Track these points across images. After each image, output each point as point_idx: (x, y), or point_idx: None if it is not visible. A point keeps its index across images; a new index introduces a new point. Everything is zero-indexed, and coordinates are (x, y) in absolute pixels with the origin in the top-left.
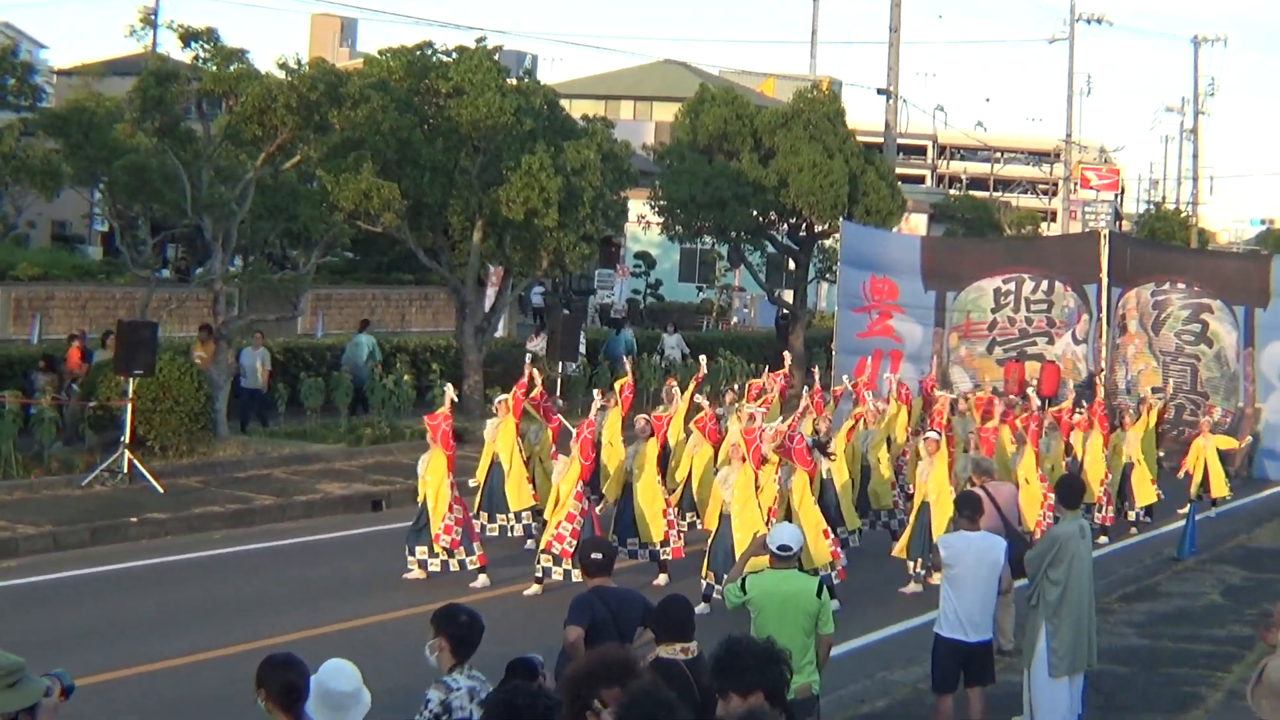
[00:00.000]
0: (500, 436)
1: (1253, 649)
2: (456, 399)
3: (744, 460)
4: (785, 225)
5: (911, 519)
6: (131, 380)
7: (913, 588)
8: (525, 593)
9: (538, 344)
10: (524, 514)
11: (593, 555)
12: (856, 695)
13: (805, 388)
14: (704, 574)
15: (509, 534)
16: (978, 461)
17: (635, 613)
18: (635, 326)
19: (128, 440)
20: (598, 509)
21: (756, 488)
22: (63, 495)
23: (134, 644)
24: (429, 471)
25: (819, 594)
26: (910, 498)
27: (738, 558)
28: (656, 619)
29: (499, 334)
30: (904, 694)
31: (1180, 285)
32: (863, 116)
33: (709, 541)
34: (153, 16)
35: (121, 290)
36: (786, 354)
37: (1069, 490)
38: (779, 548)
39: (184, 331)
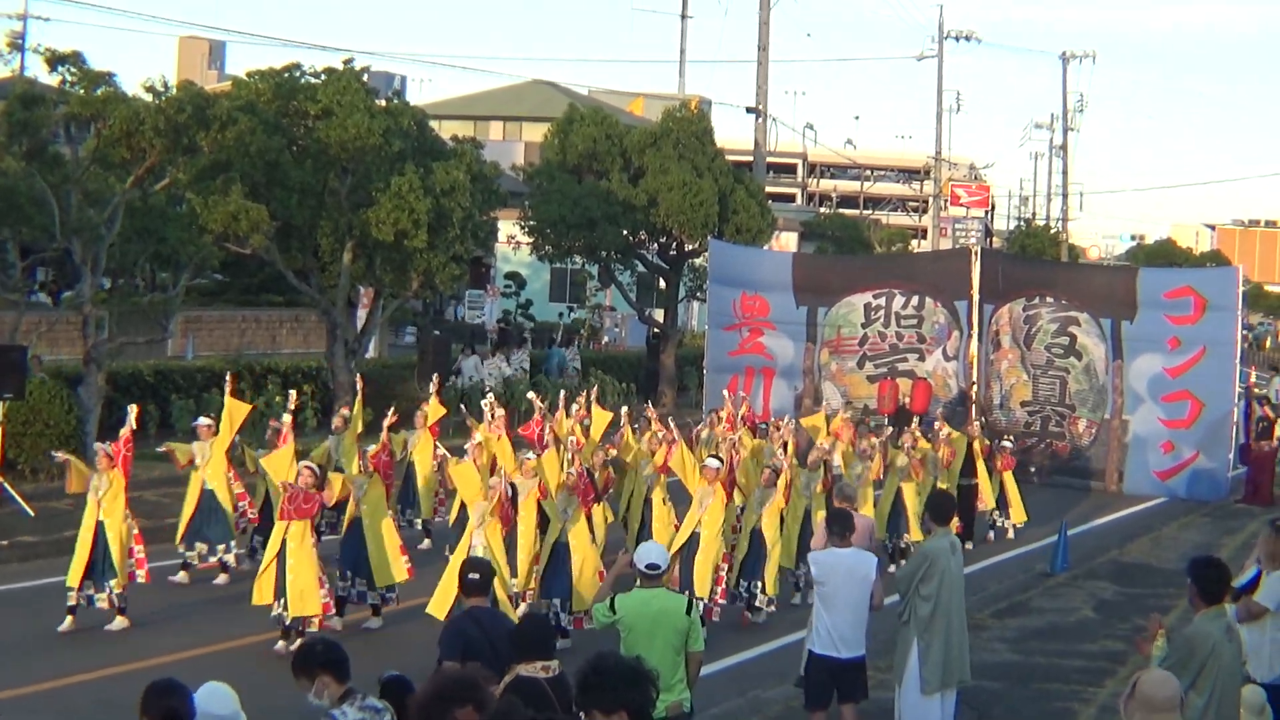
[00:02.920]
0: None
1: (1126, 664)
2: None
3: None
4: (655, 244)
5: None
6: (1, 404)
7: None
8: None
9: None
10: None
11: (470, 575)
12: (729, 713)
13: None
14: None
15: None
16: (841, 487)
17: (506, 633)
18: (507, 346)
19: None
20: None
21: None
22: None
23: (6, 667)
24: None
25: (688, 611)
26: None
27: (608, 576)
28: (517, 637)
29: (370, 355)
30: (776, 711)
31: (1050, 299)
32: (732, 135)
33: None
34: (19, 40)
35: None
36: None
37: (939, 506)
38: (647, 566)
39: (54, 354)
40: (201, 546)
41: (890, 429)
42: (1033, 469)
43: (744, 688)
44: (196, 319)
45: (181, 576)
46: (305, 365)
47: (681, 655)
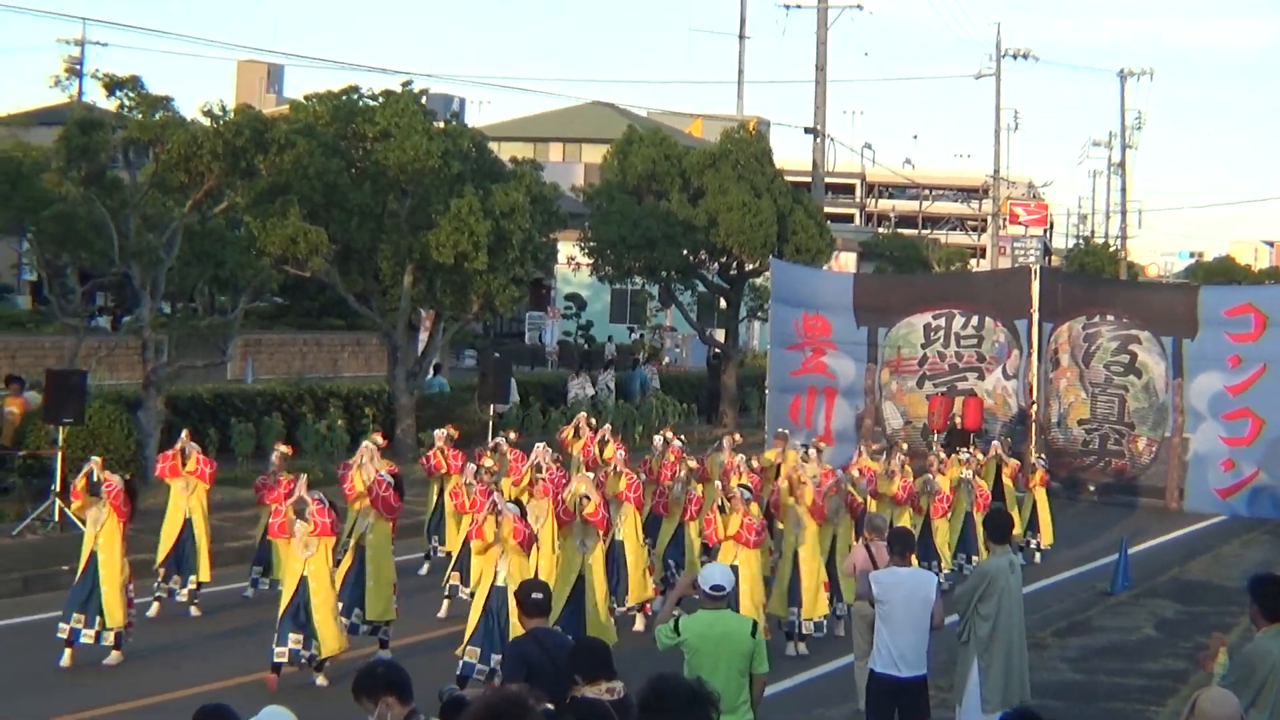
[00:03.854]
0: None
1: (1188, 682)
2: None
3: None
4: (715, 264)
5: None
6: (61, 429)
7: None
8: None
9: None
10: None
11: (533, 595)
12: None
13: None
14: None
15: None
16: (871, 518)
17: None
18: (565, 367)
19: (58, 489)
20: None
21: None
22: None
23: (67, 693)
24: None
25: (753, 634)
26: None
27: (670, 597)
28: (577, 658)
29: (430, 377)
30: None
31: (1110, 318)
32: (790, 155)
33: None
34: (78, 66)
35: (50, 339)
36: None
37: (997, 525)
38: (712, 588)
39: (114, 379)
40: (177, 579)
41: (939, 448)
42: (1091, 487)
43: (807, 707)
44: (256, 342)
45: (154, 610)
46: (367, 389)
47: (746, 677)
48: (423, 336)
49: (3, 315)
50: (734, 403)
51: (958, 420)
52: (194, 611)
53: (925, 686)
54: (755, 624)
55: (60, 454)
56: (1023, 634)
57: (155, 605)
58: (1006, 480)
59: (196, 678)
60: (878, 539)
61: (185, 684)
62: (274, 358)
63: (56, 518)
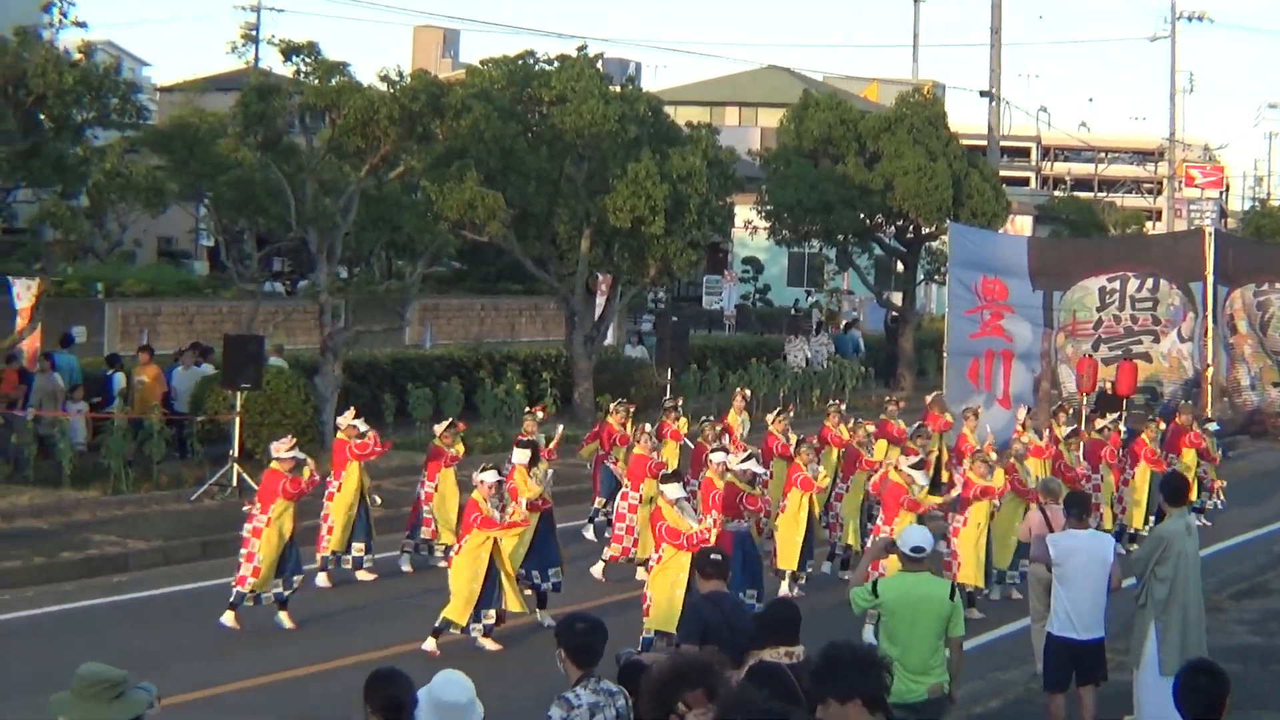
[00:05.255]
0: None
1: None
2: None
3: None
4: (892, 228)
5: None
6: (239, 394)
7: None
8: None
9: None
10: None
11: (712, 557)
12: (970, 695)
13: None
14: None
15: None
16: (1046, 483)
17: (746, 618)
18: (743, 330)
19: (236, 454)
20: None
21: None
22: (172, 510)
23: (246, 658)
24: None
25: (951, 597)
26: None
27: (864, 557)
28: (762, 621)
29: (608, 342)
30: (1016, 694)
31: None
32: (965, 119)
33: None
34: (254, 32)
35: (228, 304)
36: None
37: (1174, 488)
38: (912, 549)
39: (291, 344)
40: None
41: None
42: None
43: (984, 670)
44: (434, 307)
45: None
46: (544, 353)
47: (942, 639)
48: (600, 301)
49: (181, 280)
50: (911, 366)
51: (1107, 385)
52: (364, 576)
53: (1103, 649)
54: (954, 586)
55: (238, 419)
56: (1200, 597)
57: (324, 575)
58: (1186, 445)
59: (368, 643)
60: (1052, 502)
61: (351, 651)
62: (452, 322)
63: (234, 483)
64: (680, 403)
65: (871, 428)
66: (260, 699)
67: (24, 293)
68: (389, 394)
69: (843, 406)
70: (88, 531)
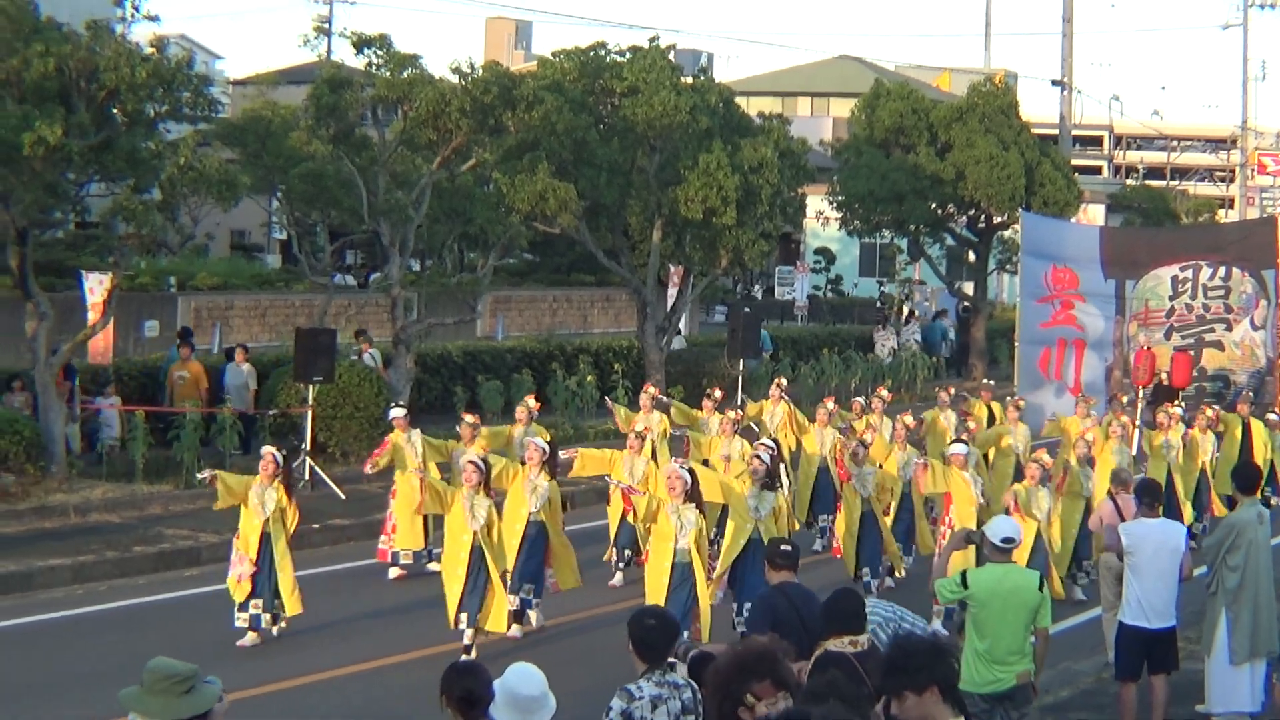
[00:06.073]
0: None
1: None
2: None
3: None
4: (964, 218)
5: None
6: (311, 387)
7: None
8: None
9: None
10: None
11: (782, 548)
12: (1041, 685)
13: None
14: None
15: None
16: (1116, 472)
17: (817, 608)
18: (815, 321)
19: (308, 447)
20: None
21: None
22: None
23: (317, 651)
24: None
25: (1040, 588)
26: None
27: (945, 548)
28: (827, 611)
29: (681, 333)
30: (1088, 683)
31: None
32: (1037, 108)
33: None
34: (326, 25)
35: (300, 298)
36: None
37: (1245, 476)
38: (1002, 540)
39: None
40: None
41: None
42: None
43: (1056, 660)
44: (506, 299)
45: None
46: (616, 344)
47: (1029, 630)
48: (671, 292)
49: (253, 274)
50: (983, 355)
51: (1163, 376)
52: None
53: (1175, 638)
54: (1042, 577)
55: (310, 412)
56: (1271, 585)
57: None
58: (1256, 434)
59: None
60: (1123, 492)
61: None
62: (523, 314)
63: (307, 476)
64: (718, 394)
65: (851, 416)
66: (330, 695)
67: (96, 287)
68: (460, 386)
69: (884, 394)
70: (160, 525)
